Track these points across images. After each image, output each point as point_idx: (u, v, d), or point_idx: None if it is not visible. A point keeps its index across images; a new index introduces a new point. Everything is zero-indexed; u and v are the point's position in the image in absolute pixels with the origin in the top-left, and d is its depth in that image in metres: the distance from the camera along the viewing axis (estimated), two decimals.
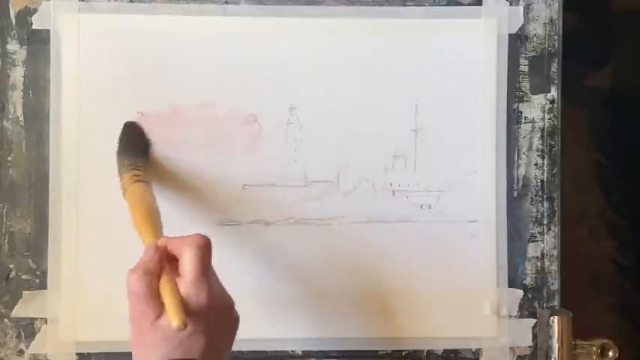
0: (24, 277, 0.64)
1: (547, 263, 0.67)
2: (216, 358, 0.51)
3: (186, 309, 0.49)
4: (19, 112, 0.65)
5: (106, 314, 0.64)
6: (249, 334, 0.65)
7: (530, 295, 0.67)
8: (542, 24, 0.67)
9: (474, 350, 0.66)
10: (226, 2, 0.66)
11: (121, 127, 0.62)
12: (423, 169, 0.66)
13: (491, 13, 0.67)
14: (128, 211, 0.56)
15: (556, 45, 0.67)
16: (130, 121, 0.62)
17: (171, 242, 0.52)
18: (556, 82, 0.67)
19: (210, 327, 0.50)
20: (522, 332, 0.66)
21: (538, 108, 0.67)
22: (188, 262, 0.50)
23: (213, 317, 0.51)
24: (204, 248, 0.51)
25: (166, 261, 0.51)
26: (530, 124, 0.67)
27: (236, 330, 0.54)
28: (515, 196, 0.67)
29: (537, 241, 0.67)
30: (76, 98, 0.64)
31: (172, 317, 0.48)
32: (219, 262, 0.65)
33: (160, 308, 0.49)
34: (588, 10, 0.94)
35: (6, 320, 0.64)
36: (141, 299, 0.49)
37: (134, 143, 0.61)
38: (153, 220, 0.55)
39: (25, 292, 0.64)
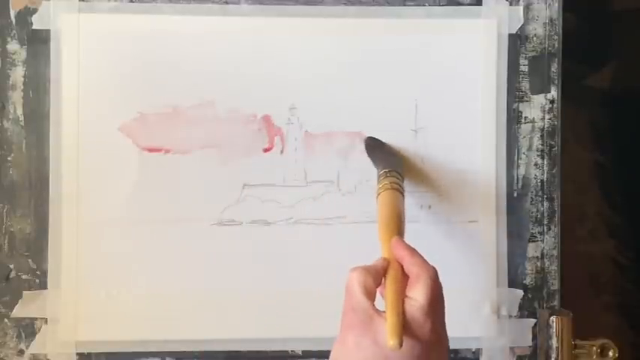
0: (24, 277, 0.64)
1: (547, 263, 0.67)
2: None
3: (407, 331, 0.46)
4: (19, 112, 0.64)
5: (106, 314, 0.64)
6: (249, 334, 0.65)
7: (530, 295, 0.67)
8: (542, 24, 0.67)
9: (473, 350, 0.66)
10: (226, 2, 0.66)
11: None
12: (423, 169, 0.66)
13: (491, 13, 0.67)
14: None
15: (556, 45, 0.67)
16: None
17: (409, 257, 0.50)
18: (556, 82, 0.67)
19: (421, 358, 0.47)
20: (522, 332, 0.66)
21: (538, 108, 0.67)
22: (423, 286, 0.48)
23: (427, 351, 0.47)
24: (438, 282, 0.49)
25: (396, 270, 0.50)
26: (530, 124, 0.67)
27: None
28: (515, 196, 0.67)
29: (537, 241, 0.67)
30: (76, 98, 0.64)
31: (390, 334, 0.45)
32: (219, 262, 0.65)
33: (374, 311, 0.47)
34: (588, 10, 0.94)
35: (6, 320, 0.64)
36: (353, 301, 0.48)
37: (396, 153, 0.63)
38: (394, 228, 0.53)
39: (25, 292, 0.64)
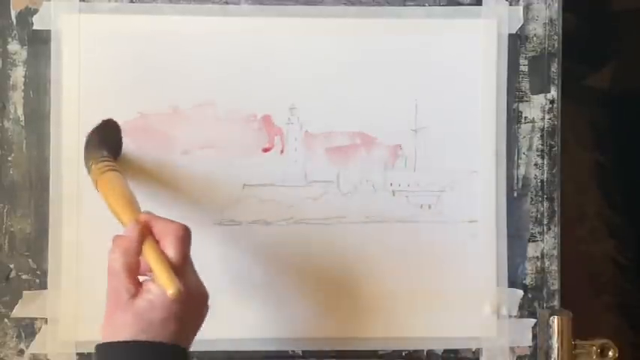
0: (24, 277, 0.64)
1: (547, 263, 0.67)
2: (184, 345, 0.52)
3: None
4: (20, 112, 0.65)
5: None
6: (249, 333, 0.65)
7: (530, 295, 0.67)
8: (542, 24, 0.67)
9: (474, 350, 0.66)
10: (226, 2, 0.66)
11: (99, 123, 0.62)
12: (423, 169, 0.66)
13: (491, 13, 0.67)
14: (103, 200, 0.56)
15: (556, 45, 0.67)
16: (108, 119, 0.62)
17: (154, 222, 0.53)
18: (556, 82, 0.67)
19: (183, 315, 0.51)
20: (522, 332, 0.67)
21: (538, 108, 0.67)
22: (168, 249, 0.52)
23: (187, 306, 0.51)
24: (186, 238, 0.53)
25: (149, 235, 0.53)
26: (530, 124, 0.67)
27: (203, 321, 0.55)
28: (515, 196, 0.67)
29: (537, 241, 0.67)
30: (77, 98, 0.64)
31: (167, 285, 0.49)
32: (219, 262, 0.65)
33: (135, 288, 0.51)
34: (588, 10, 0.94)
35: (6, 320, 0.64)
36: (119, 277, 0.51)
37: (103, 138, 0.61)
38: (130, 202, 0.55)
39: (25, 292, 0.64)
